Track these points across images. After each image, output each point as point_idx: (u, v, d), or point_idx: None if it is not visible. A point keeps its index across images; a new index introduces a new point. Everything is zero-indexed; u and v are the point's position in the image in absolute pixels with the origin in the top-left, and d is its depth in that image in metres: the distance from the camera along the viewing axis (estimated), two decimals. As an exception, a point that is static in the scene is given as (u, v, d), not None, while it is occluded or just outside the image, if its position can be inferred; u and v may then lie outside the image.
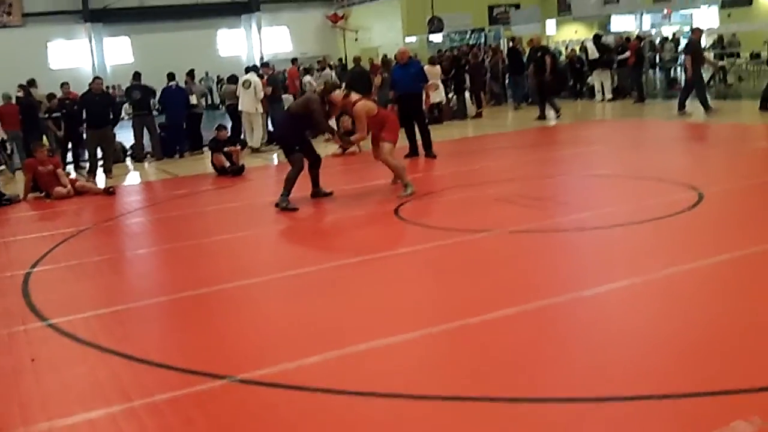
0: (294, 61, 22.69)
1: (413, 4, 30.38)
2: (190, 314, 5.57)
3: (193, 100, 16.33)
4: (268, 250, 7.70)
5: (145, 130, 15.50)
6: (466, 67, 20.04)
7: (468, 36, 29.04)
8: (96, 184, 12.34)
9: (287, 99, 16.56)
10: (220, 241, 7.88)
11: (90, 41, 33.62)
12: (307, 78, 19.35)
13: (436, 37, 29.68)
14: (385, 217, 8.29)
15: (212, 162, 12.74)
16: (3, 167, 14.87)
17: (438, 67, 18.15)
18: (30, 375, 4.57)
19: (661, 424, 3.41)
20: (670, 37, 26.80)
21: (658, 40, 25.08)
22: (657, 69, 23.57)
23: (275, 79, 16.77)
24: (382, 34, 31.67)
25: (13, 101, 14.92)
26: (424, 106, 13.12)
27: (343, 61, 26.85)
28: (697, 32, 15.97)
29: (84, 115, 13.81)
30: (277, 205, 8.99)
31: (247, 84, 15.37)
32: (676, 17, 30.85)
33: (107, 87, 18.66)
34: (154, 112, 16.25)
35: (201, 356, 4.64)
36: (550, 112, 17.06)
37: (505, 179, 10.03)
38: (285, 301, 5.74)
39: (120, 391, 4.17)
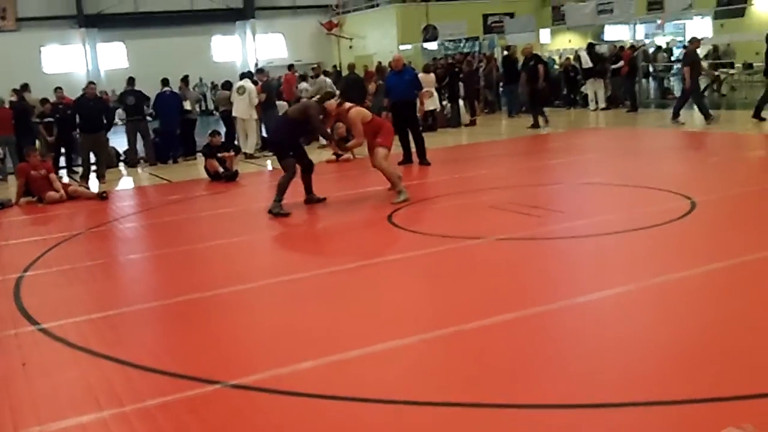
0: (291, 67, 22.70)
1: (408, 12, 30.46)
2: (182, 319, 5.54)
3: (187, 105, 16.31)
4: (261, 256, 7.69)
5: (139, 136, 15.49)
6: (461, 75, 20.10)
7: (462, 44, 29.08)
8: (89, 189, 12.31)
9: (281, 105, 16.54)
10: (213, 247, 7.86)
11: (84, 46, 33.57)
12: (304, 85, 19.36)
13: (431, 45, 29.74)
14: (379, 223, 8.29)
15: (206, 167, 12.73)
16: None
17: (432, 74, 18.19)
18: (21, 379, 4.54)
19: (654, 431, 3.41)
20: (664, 47, 26.93)
21: (651, 50, 25.19)
22: (650, 78, 23.66)
23: (270, 86, 16.77)
24: (377, 42, 31.71)
25: (7, 106, 14.88)
26: (418, 114, 13.14)
27: (338, 68, 26.86)
28: (695, 42, 16.03)
29: (77, 120, 13.78)
30: (269, 211, 8.98)
31: (242, 90, 15.37)
32: (670, 27, 31.00)
33: (101, 92, 18.59)
34: (148, 118, 16.22)
35: (194, 361, 4.62)
36: (543, 120, 17.12)
37: (499, 187, 10.04)
38: (278, 306, 5.72)
39: (112, 396, 4.15)
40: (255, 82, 15.97)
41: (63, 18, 32.94)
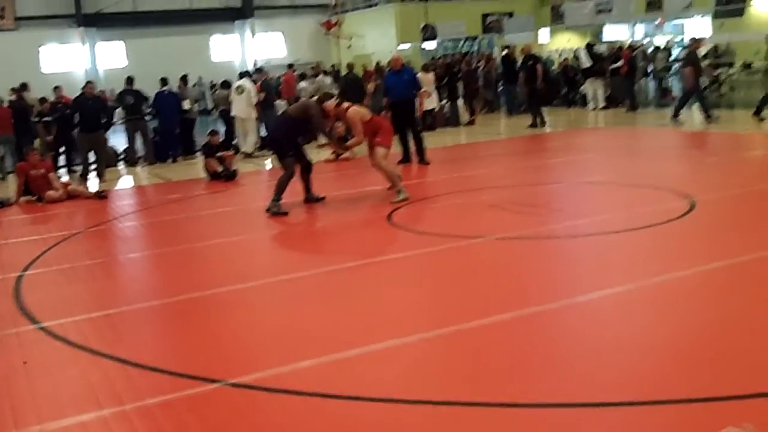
0: (290, 66, 22.71)
1: (407, 11, 30.45)
2: (182, 318, 5.55)
3: (186, 105, 16.32)
4: (261, 255, 7.69)
5: (138, 135, 15.49)
6: (459, 75, 20.10)
7: (461, 44, 29.09)
8: (88, 188, 12.31)
9: (280, 105, 16.56)
10: (212, 246, 7.87)
11: (83, 45, 33.54)
12: (303, 84, 19.37)
13: (430, 45, 29.74)
14: (379, 222, 8.30)
15: (205, 167, 12.73)
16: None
17: (431, 74, 18.20)
18: (22, 378, 4.55)
19: (652, 430, 3.42)
20: (663, 47, 26.92)
21: (650, 50, 25.18)
22: (649, 78, 23.65)
23: (269, 85, 16.78)
24: (376, 41, 31.69)
25: (6, 105, 14.87)
26: (417, 113, 13.15)
27: (337, 68, 26.87)
28: (696, 43, 16.01)
29: (76, 119, 13.78)
30: (268, 210, 8.99)
31: (241, 89, 15.38)
32: (669, 27, 31.00)
33: (99, 91, 18.56)
34: (147, 117, 16.23)
35: (194, 360, 4.63)
36: (539, 121, 17.11)
37: (498, 186, 10.05)
38: (278, 305, 5.73)
39: (112, 395, 4.15)
40: (254, 82, 15.98)
41: (62, 17, 32.90)
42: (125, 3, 33.58)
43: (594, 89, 20.25)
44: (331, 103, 9.38)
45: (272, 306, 5.76)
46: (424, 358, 4.47)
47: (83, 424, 3.86)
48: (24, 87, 16.92)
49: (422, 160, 12.41)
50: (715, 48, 23.09)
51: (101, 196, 11.46)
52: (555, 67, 24.76)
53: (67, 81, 23.54)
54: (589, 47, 21.23)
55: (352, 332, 4.89)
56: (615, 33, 29.69)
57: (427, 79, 16.79)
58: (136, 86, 15.66)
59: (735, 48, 23.33)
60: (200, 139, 15.05)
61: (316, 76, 18.88)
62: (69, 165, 15.28)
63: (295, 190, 9.29)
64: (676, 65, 24.15)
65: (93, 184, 13.15)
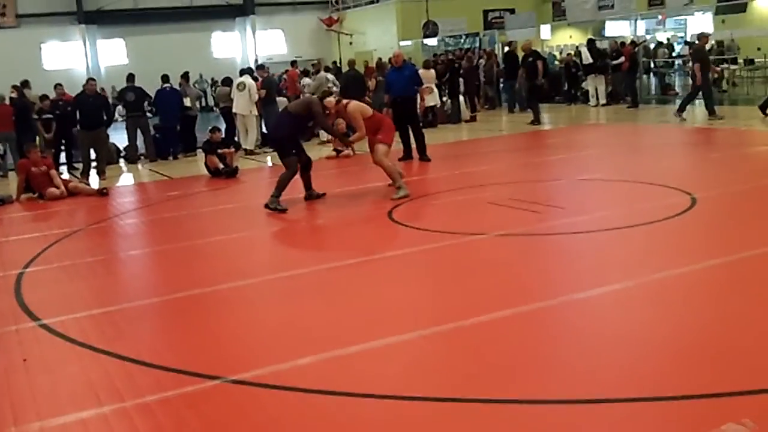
0: (294, 63, 22.71)
1: (408, 8, 30.41)
2: (183, 315, 5.55)
3: (187, 102, 16.32)
4: (261, 252, 7.70)
5: (139, 132, 15.49)
6: (461, 71, 20.08)
7: (463, 40, 29.05)
8: (89, 185, 12.32)
9: (281, 101, 16.55)
10: (213, 243, 7.87)
11: (84, 43, 33.51)
12: (306, 80, 19.37)
13: (431, 41, 29.71)
14: (379, 219, 8.30)
15: (206, 164, 12.73)
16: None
17: (432, 70, 18.20)
18: (22, 375, 4.55)
19: (652, 427, 3.42)
20: (665, 43, 26.89)
21: (652, 46, 25.15)
22: (651, 74, 23.65)
23: (270, 82, 16.77)
24: (377, 38, 31.66)
25: (7, 102, 14.87)
26: (418, 110, 13.14)
27: (338, 64, 26.84)
28: (704, 38, 15.98)
29: (77, 117, 13.78)
30: (266, 205, 8.98)
31: (242, 86, 15.38)
32: (671, 23, 30.95)
33: (99, 89, 18.53)
34: (148, 114, 16.23)
35: (194, 357, 4.63)
36: (543, 116, 17.13)
37: (499, 183, 10.05)
38: (278, 302, 5.73)
39: (112, 391, 4.16)
40: (255, 79, 15.97)
41: (63, 14, 32.89)
42: (126, 0, 33.57)
43: (595, 85, 20.23)
44: (331, 100, 9.39)
45: (272, 303, 5.76)
46: (424, 355, 4.47)
47: (83, 420, 3.87)
48: (25, 84, 16.92)
49: (423, 157, 12.40)
50: (720, 44, 23.05)
51: (102, 193, 11.47)
52: (556, 63, 24.74)
53: (68, 78, 23.55)
54: (591, 43, 21.21)
55: (352, 329, 4.89)
56: (617, 29, 29.65)
57: (428, 76, 16.78)
58: (137, 83, 15.65)
59: (738, 44, 23.30)
60: (201, 136, 15.05)
61: (317, 72, 18.86)
62: (70, 162, 15.30)
63: (295, 187, 9.29)
64: (678, 61, 24.18)
65: (94, 181, 13.15)
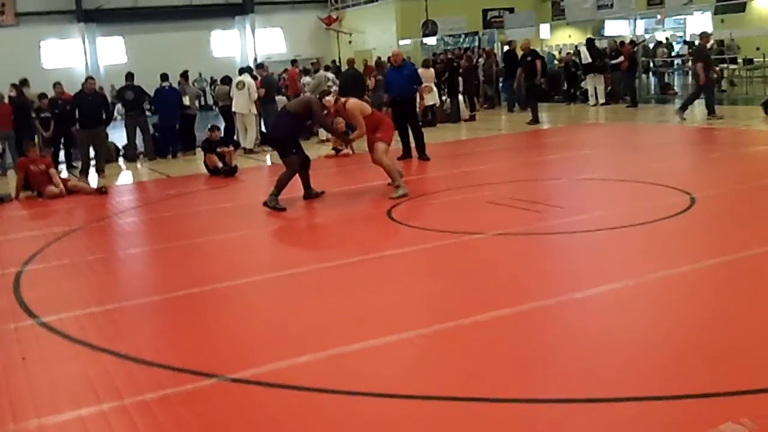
0: (294, 62, 22.71)
1: (408, 7, 30.42)
2: (182, 313, 5.55)
3: (186, 101, 16.31)
4: (260, 251, 7.69)
5: (138, 131, 15.49)
6: (460, 71, 20.08)
7: (462, 39, 29.06)
8: (88, 184, 12.32)
9: (281, 101, 16.54)
10: (212, 241, 7.87)
11: (83, 41, 33.50)
12: (306, 79, 19.37)
13: (431, 41, 29.71)
14: (378, 218, 8.30)
15: (205, 163, 12.72)
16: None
17: (432, 70, 18.20)
18: (21, 373, 4.55)
19: (651, 426, 3.42)
20: (664, 42, 26.90)
21: (651, 45, 25.16)
22: (650, 74, 23.67)
23: (269, 81, 16.77)
24: (377, 37, 31.66)
25: (6, 101, 14.85)
26: (417, 109, 13.13)
27: (337, 63, 26.83)
28: (705, 38, 15.97)
29: (77, 115, 13.77)
30: (265, 203, 8.97)
31: (241, 85, 15.37)
32: (670, 22, 30.97)
33: (99, 87, 18.51)
34: (147, 113, 16.22)
35: (192, 355, 4.63)
36: (532, 118, 17.10)
37: (498, 182, 10.05)
38: (277, 300, 5.74)
39: (111, 389, 4.15)
40: (254, 77, 15.97)
41: (62, 13, 32.87)
42: (125, -2, 33.60)
43: (594, 85, 20.23)
44: (330, 99, 9.40)
45: (271, 301, 5.76)
46: (423, 354, 4.47)
47: (82, 418, 3.86)
48: (24, 83, 16.89)
49: (422, 156, 12.40)
50: (720, 43, 23.07)
51: (101, 191, 11.47)
52: (555, 62, 24.75)
53: (67, 77, 23.55)
54: (590, 43, 21.21)
55: (351, 327, 4.88)
56: (616, 28, 29.68)
57: (427, 75, 16.78)
58: (137, 82, 15.64)
59: (738, 43, 23.30)
60: (200, 134, 15.04)
61: (316, 71, 18.86)
62: (69, 161, 15.29)
63: (294, 186, 9.28)
64: (677, 61, 24.20)
65: (93, 179, 13.14)
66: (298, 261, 6.85)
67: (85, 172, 13.60)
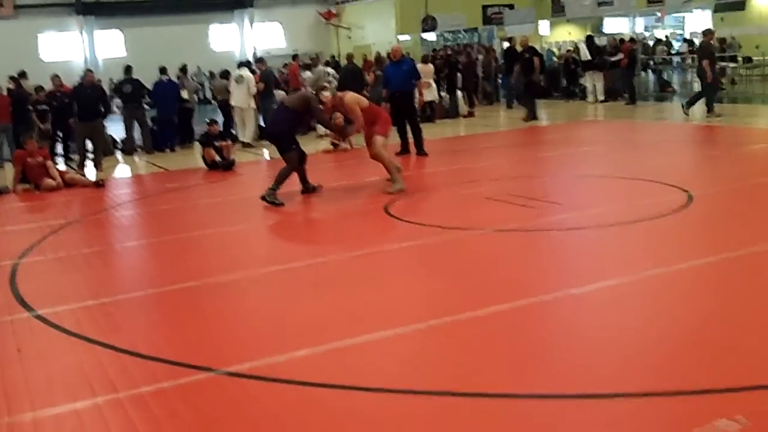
0: (295, 57, 22.67)
1: (407, 2, 30.35)
2: (178, 307, 5.54)
3: (185, 94, 16.28)
4: (257, 245, 7.68)
5: (136, 124, 15.46)
6: (459, 67, 20.06)
7: (461, 35, 29.02)
8: (85, 177, 12.29)
9: (279, 95, 16.51)
10: (209, 235, 7.86)
11: (82, 34, 33.43)
12: (307, 74, 19.34)
13: (430, 36, 29.67)
14: (376, 213, 8.29)
15: (203, 156, 12.70)
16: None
17: (431, 65, 18.18)
18: (16, 365, 4.54)
19: (646, 422, 3.42)
20: (663, 40, 26.88)
21: (650, 43, 25.13)
22: (649, 71, 23.65)
23: (268, 75, 16.74)
24: (376, 32, 31.62)
25: (4, 93, 14.83)
26: (416, 105, 13.12)
27: (336, 59, 26.79)
28: (709, 35, 15.95)
29: (75, 108, 13.74)
30: (263, 197, 8.94)
31: (240, 79, 15.35)
32: (669, 20, 30.97)
33: (97, 80, 18.46)
34: (145, 106, 16.19)
35: (189, 349, 4.62)
36: (529, 115, 17.06)
37: (496, 178, 10.04)
38: (274, 295, 5.72)
39: (106, 383, 4.15)
40: (253, 71, 15.94)
41: (60, 5, 32.79)
42: (124, -9, 33.51)
43: (593, 82, 20.21)
44: (328, 95, 9.37)
45: (268, 295, 5.75)
46: (420, 349, 4.46)
47: (77, 411, 3.86)
48: (22, 75, 16.87)
49: (420, 152, 12.39)
50: (722, 41, 23.06)
51: (99, 184, 11.45)
52: (555, 59, 24.73)
53: (66, 69, 23.52)
54: (590, 40, 21.19)
55: (348, 322, 4.88)
56: (615, 26, 29.67)
57: (426, 71, 16.76)
58: (135, 75, 15.61)
59: (739, 41, 23.30)
60: (199, 128, 15.01)
61: (315, 66, 18.84)
62: (66, 153, 15.26)
63: (292, 181, 9.27)
64: (677, 59, 24.18)
65: (90, 172, 13.12)
66: (295, 255, 6.83)
67: (82, 165, 13.57)
